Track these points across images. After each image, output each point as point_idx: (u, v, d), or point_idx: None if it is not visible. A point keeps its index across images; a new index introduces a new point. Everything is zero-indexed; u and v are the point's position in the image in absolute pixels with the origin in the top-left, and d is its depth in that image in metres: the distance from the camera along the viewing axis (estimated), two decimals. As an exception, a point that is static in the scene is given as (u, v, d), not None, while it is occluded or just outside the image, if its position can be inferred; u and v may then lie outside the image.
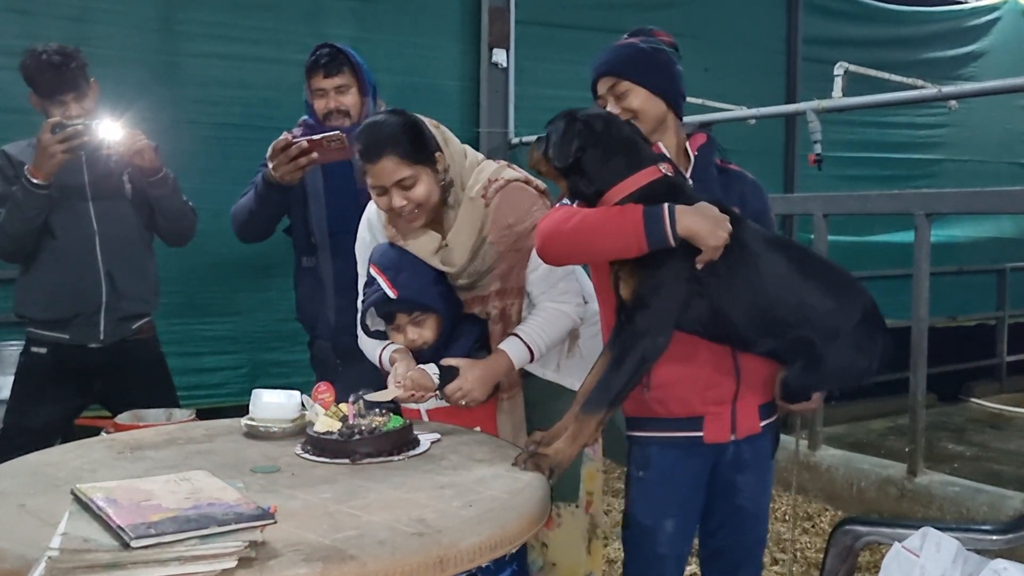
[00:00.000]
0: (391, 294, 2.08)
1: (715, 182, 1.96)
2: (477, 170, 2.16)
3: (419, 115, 2.14)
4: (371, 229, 2.27)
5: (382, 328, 2.21)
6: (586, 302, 2.28)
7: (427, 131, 2.10)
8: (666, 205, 1.75)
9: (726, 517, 2.05)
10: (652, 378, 1.92)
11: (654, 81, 1.98)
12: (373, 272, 2.13)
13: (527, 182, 2.17)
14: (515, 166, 2.23)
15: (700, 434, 1.96)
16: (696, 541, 2.14)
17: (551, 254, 1.89)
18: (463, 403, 2.07)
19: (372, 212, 2.26)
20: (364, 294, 2.17)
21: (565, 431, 1.82)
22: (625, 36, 2.09)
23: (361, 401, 1.92)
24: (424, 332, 2.13)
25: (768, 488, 2.11)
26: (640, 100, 1.97)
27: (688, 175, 2.00)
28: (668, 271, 1.80)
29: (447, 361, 2.09)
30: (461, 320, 2.18)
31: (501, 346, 2.11)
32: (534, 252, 1.98)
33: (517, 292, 2.16)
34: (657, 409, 1.97)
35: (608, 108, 1.99)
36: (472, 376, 2.06)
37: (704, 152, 2.04)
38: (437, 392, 2.07)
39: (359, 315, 2.21)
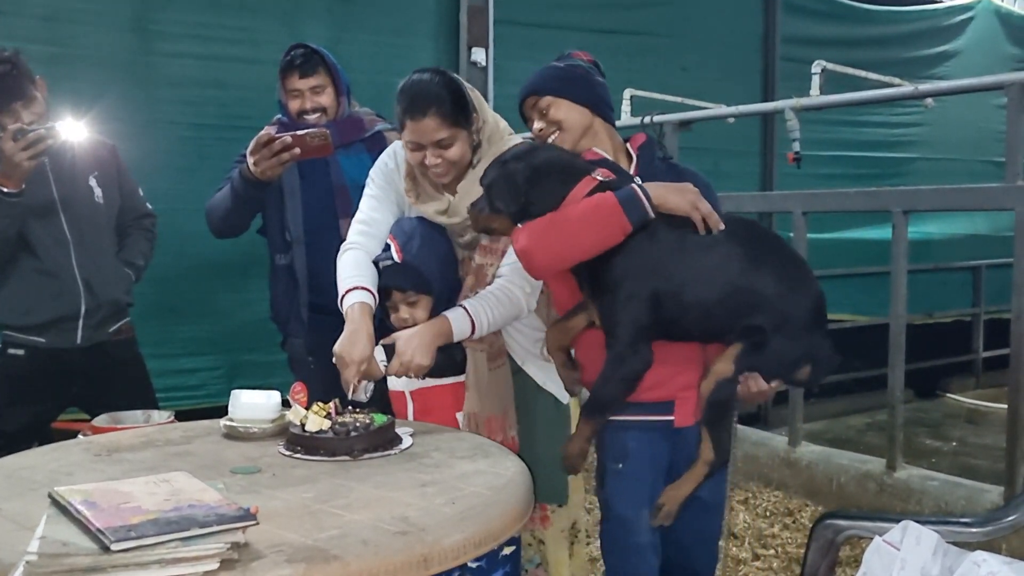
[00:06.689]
0: (396, 258, 2.12)
1: (663, 175, 2.00)
2: (507, 138, 2.22)
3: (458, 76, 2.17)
4: (396, 158, 2.27)
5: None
6: None
7: (467, 93, 2.14)
8: (633, 184, 1.86)
9: (685, 507, 2.01)
10: None
11: (573, 92, 2.06)
12: (389, 240, 2.17)
13: None
14: None
15: (671, 418, 2.03)
16: None
17: (538, 263, 1.91)
18: (410, 375, 2.06)
19: (399, 146, 2.25)
20: (378, 256, 2.18)
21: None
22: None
23: (337, 400, 1.92)
24: (416, 313, 2.14)
25: (725, 480, 2.15)
26: (563, 111, 2.05)
27: (633, 172, 2.05)
28: (623, 296, 1.85)
29: (385, 341, 2.09)
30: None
31: (445, 313, 2.10)
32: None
33: (499, 255, 2.17)
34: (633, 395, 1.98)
35: (536, 125, 2.08)
36: (408, 346, 2.03)
37: (646, 150, 2.12)
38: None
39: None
